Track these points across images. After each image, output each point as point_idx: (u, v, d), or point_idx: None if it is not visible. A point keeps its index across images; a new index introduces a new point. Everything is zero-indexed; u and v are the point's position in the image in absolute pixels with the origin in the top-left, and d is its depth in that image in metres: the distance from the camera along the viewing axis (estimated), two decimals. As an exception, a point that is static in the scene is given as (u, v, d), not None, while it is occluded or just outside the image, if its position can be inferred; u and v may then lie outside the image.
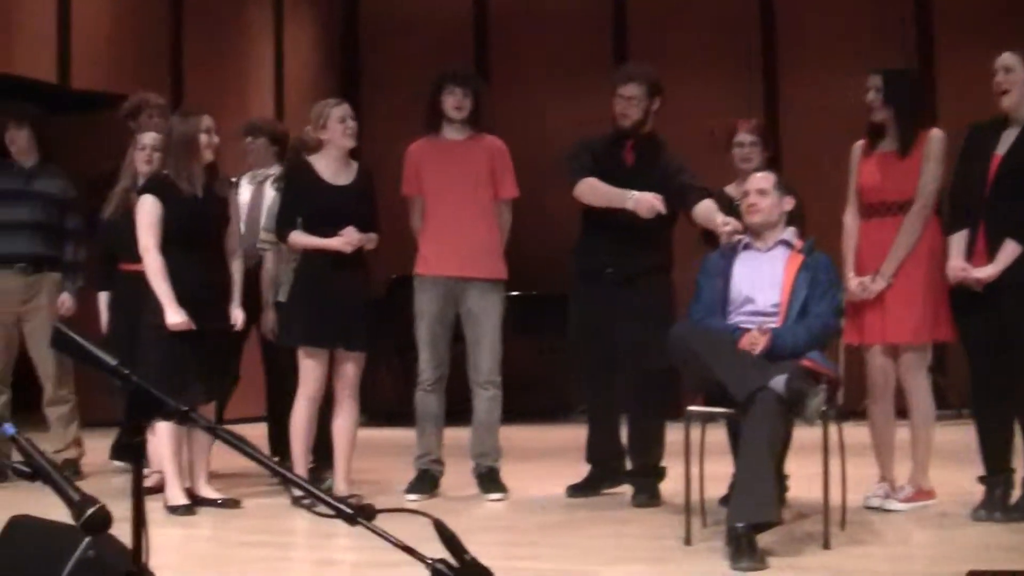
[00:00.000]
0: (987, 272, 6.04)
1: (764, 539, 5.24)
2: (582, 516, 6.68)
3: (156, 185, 6.96)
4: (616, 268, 7.01)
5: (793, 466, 6.44)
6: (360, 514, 2.59)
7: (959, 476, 6.89)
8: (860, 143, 6.72)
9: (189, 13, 13.22)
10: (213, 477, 7.35)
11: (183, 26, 13.17)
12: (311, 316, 7.04)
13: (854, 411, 7.02)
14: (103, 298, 7.95)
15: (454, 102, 7.34)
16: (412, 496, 7.23)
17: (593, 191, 7.03)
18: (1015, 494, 6.18)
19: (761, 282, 5.98)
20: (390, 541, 2.59)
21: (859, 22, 13.79)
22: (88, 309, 8.14)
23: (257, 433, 8.18)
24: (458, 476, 7.52)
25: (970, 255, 6.17)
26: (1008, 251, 6.02)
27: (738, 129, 7.13)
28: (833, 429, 5.60)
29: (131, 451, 2.87)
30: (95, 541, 3.32)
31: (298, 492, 6.96)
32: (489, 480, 7.32)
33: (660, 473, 7.05)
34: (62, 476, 2.78)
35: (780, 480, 6.13)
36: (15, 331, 8.33)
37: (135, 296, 7.18)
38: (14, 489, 7.52)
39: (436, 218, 7.35)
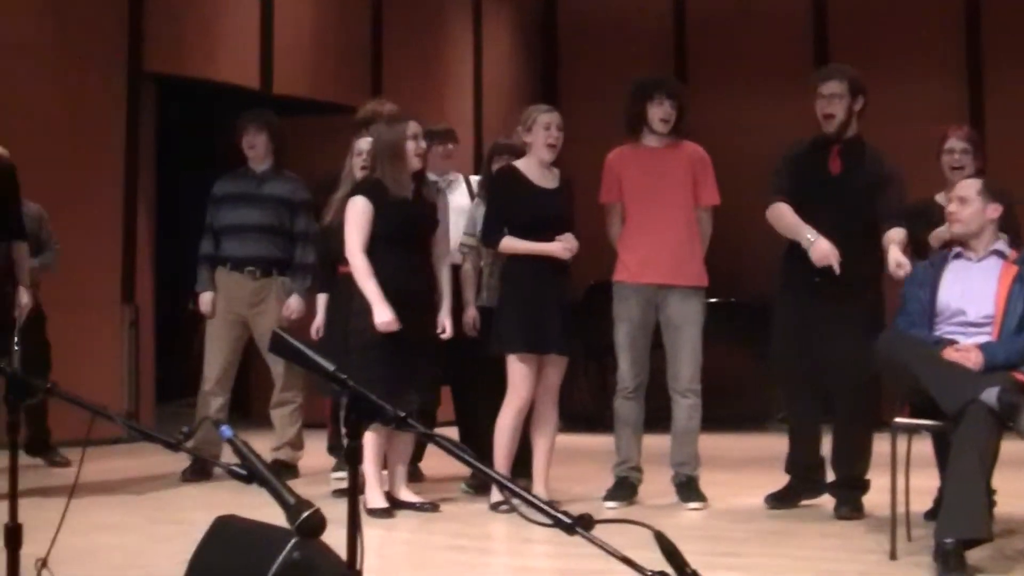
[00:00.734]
0: None
1: (973, 556, 5.16)
2: (783, 527, 6.62)
3: (367, 188, 7.07)
4: (825, 277, 6.87)
5: (999, 480, 6.30)
6: (579, 524, 2.59)
7: None
8: None
9: (389, 18, 13.40)
10: (411, 480, 7.45)
11: (383, 31, 13.36)
12: (525, 322, 7.07)
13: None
14: (321, 300, 8.03)
15: (662, 114, 7.31)
16: (610, 503, 7.24)
17: (779, 220, 6.99)
18: None
19: (973, 293, 5.82)
20: (609, 552, 2.59)
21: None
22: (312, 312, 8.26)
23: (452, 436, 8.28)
24: (656, 484, 7.51)
25: None
26: None
27: (949, 136, 7.00)
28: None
29: (348, 456, 2.91)
30: (301, 543, 3.38)
31: (497, 497, 7.02)
32: (688, 489, 7.29)
33: (864, 485, 6.93)
34: (277, 479, 2.83)
35: (988, 494, 5.99)
36: (243, 334, 8.50)
37: (346, 298, 7.34)
38: (219, 488, 7.70)
39: (637, 226, 7.35)
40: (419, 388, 7.06)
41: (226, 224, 8.44)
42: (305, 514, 2.72)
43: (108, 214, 10.84)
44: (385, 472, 7.13)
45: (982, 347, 5.58)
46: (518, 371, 7.10)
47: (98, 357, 10.52)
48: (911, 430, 5.81)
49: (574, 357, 7.50)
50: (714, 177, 7.46)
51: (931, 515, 6.24)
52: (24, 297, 7.17)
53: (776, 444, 7.39)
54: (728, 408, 12.34)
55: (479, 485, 7.65)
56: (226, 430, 2.96)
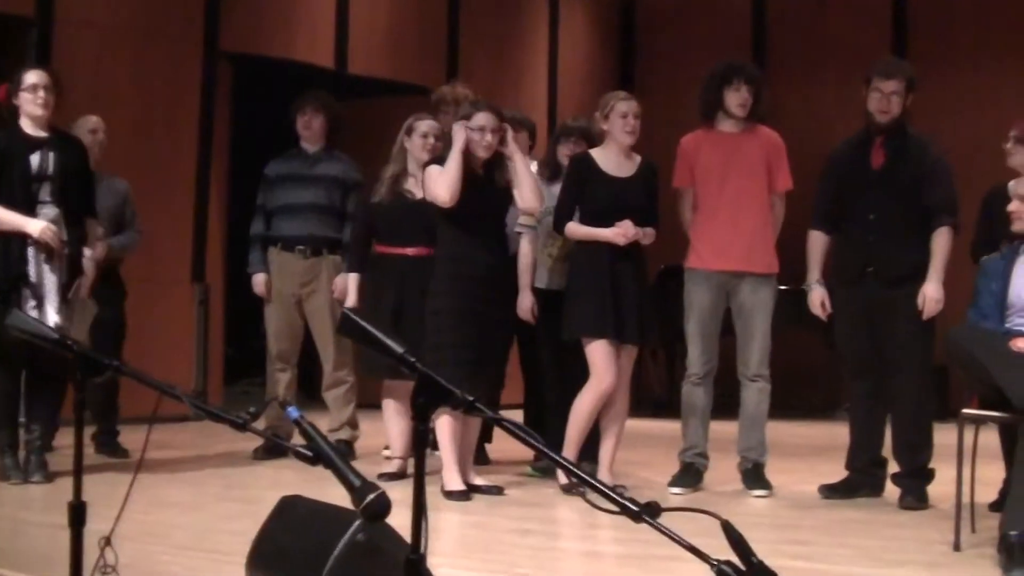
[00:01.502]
0: None
1: (1037, 548, 5.13)
2: (848, 516, 6.60)
3: (439, 161, 7.05)
4: (877, 268, 6.94)
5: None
6: (645, 511, 2.60)
7: None
8: None
9: (466, 1, 13.42)
10: (477, 463, 7.48)
11: (460, 13, 13.39)
12: (589, 308, 7.10)
13: None
14: (353, 280, 7.95)
15: (739, 99, 7.31)
16: (676, 489, 7.25)
17: (808, 250, 7.24)
18: None
19: (1040, 284, 5.81)
20: (675, 540, 2.60)
21: None
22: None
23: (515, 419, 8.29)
24: (722, 471, 7.51)
25: None
26: None
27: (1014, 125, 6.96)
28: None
29: (416, 439, 2.93)
30: (366, 525, 3.40)
31: (566, 480, 7.05)
32: (754, 476, 7.29)
33: (929, 475, 6.92)
34: (344, 461, 2.85)
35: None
36: (297, 312, 8.56)
37: (394, 278, 7.36)
38: (289, 467, 7.75)
39: (710, 211, 7.34)
40: (492, 371, 7.10)
41: (279, 204, 8.52)
42: (370, 497, 2.74)
43: (181, 193, 10.94)
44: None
45: (1052, 339, 5.56)
46: (601, 356, 7.11)
47: (168, 336, 10.62)
48: (978, 421, 5.78)
49: (654, 343, 7.51)
50: (787, 163, 7.45)
51: (996, 507, 6.21)
52: (88, 263, 7.20)
53: (844, 433, 7.34)
54: (797, 396, 12.35)
55: (546, 468, 7.67)
56: (293, 411, 2.98)
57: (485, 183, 7.04)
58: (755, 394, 7.32)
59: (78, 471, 3.43)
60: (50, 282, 6.81)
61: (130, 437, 8.28)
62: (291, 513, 3.88)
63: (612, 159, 7.25)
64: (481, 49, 13.40)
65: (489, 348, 6.97)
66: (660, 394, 12.79)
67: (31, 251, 6.79)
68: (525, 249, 7.49)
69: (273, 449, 8.09)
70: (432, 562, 2.98)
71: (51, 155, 6.93)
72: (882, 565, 5.37)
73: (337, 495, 2.99)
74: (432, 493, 6.80)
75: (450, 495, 6.83)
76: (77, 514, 3.41)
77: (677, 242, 7.55)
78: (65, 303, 6.87)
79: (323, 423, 8.33)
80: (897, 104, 7.01)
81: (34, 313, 6.57)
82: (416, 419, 2.84)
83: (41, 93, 6.94)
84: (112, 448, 8.22)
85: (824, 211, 7.26)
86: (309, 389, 10.17)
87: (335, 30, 12.12)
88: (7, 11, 9.71)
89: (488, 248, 7.03)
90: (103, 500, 3.63)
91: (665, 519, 2.68)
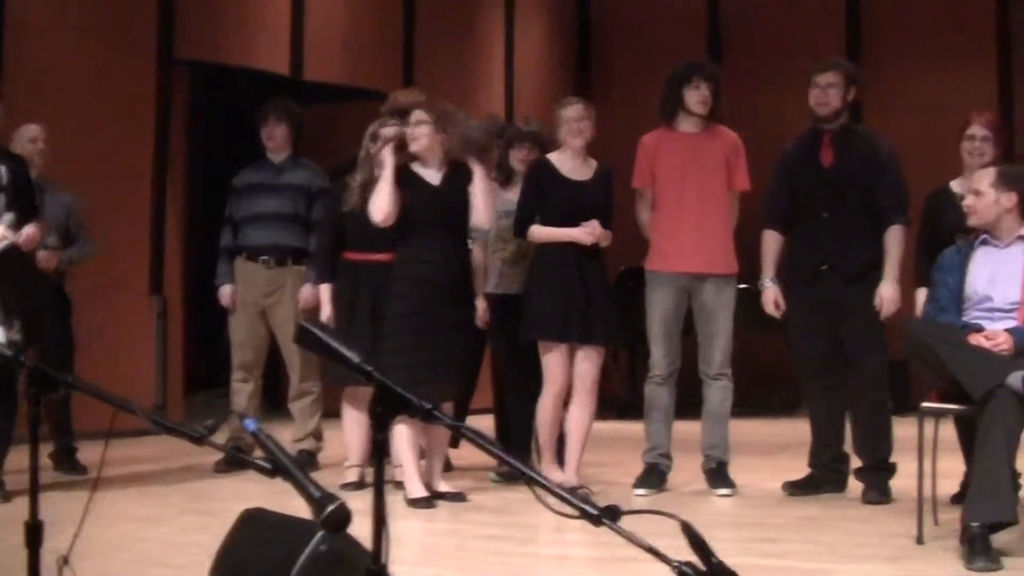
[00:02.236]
0: None
1: (999, 539, 5.18)
2: (813, 513, 6.64)
3: (403, 171, 7.09)
4: (832, 265, 6.99)
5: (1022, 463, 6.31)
6: (606, 515, 2.60)
7: None
8: None
9: (422, 5, 13.40)
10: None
11: (416, 18, 13.36)
12: (550, 310, 7.15)
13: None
14: (326, 291, 7.91)
15: (699, 97, 7.34)
16: (640, 491, 7.26)
17: (763, 247, 7.26)
18: None
19: (999, 280, 5.81)
20: (635, 542, 2.60)
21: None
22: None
23: (483, 426, 8.29)
24: (687, 471, 7.52)
25: None
26: None
27: (971, 122, 6.99)
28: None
29: (375, 448, 2.93)
30: (329, 536, 3.38)
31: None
32: (718, 475, 7.30)
33: (890, 468, 6.97)
34: (303, 472, 2.84)
35: (1014, 477, 5.99)
36: (262, 322, 8.51)
37: (369, 285, 7.35)
38: (252, 479, 7.71)
39: (672, 212, 7.36)
40: (453, 375, 7.10)
41: (244, 215, 8.48)
42: (330, 508, 2.73)
43: (138, 204, 10.83)
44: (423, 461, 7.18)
45: (1013, 331, 5.59)
46: (550, 358, 7.21)
47: (127, 348, 10.54)
48: (938, 415, 5.81)
49: (618, 345, 7.54)
50: (746, 163, 7.48)
51: (958, 499, 6.25)
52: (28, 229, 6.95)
53: (807, 430, 7.37)
54: (760, 394, 12.37)
55: (508, 474, 7.67)
56: (251, 423, 2.96)
57: (443, 188, 7.07)
58: (718, 393, 7.33)
59: (34, 490, 3.40)
60: None
61: (90, 453, 8.21)
62: (253, 526, 3.85)
63: (569, 163, 7.32)
64: (438, 55, 13.37)
65: (447, 352, 6.96)
66: (623, 396, 12.81)
67: None
68: (477, 255, 7.52)
69: (235, 461, 8.03)
70: (398, 571, 2.98)
71: (1, 167, 6.87)
72: (846, 560, 5.41)
73: (300, 507, 2.98)
74: (396, 501, 6.81)
75: (414, 503, 6.83)
76: (33, 534, 3.37)
77: (634, 245, 7.55)
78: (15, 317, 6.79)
79: (288, 434, 8.31)
80: (836, 97, 7.08)
81: None
82: (375, 428, 2.84)
83: None
84: (70, 465, 8.16)
85: (777, 210, 7.30)
86: (274, 399, 10.14)
87: (291, 36, 12.06)
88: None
89: (446, 252, 7.04)
90: (65, 518, 3.60)
91: (629, 521, 2.68)
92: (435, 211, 7.01)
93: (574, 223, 7.16)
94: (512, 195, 7.75)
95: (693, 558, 2.65)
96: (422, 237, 7.01)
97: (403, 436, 6.90)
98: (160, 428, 3.11)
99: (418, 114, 7.11)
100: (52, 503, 3.65)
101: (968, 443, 5.92)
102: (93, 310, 8.79)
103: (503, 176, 7.85)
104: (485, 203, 7.09)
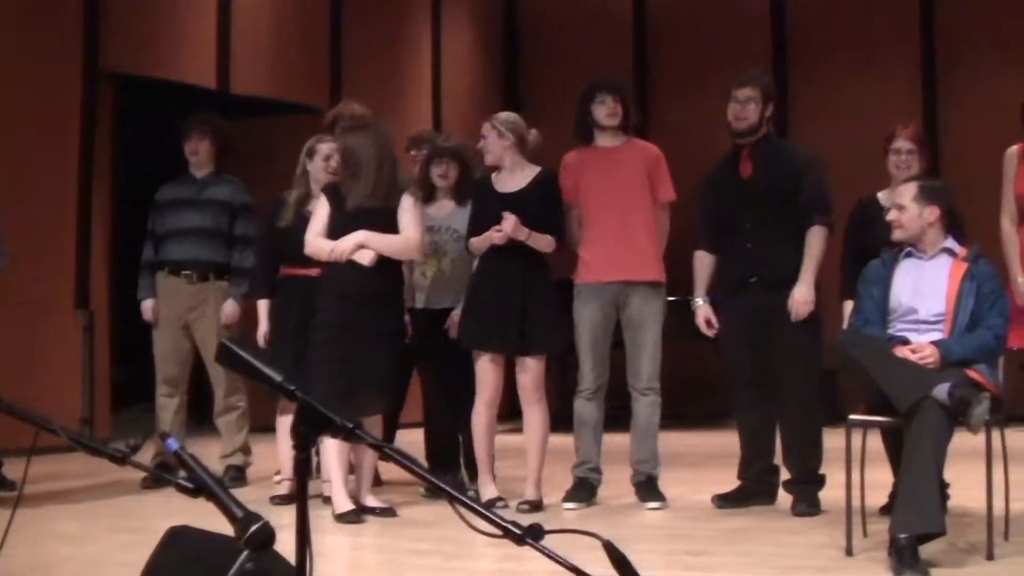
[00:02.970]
0: None
1: (927, 549, 5.21)
2: (743, 525, 6.65)
3: (330, 189, 7.15)
4: (759, 275, 7.02)
5: (952, 473, 6.34)
6: (528, 533, 2.59)
7: None
8: (1015, 148, 6.64)
9: (349, 18, 13.39)
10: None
11: (343, 31, 13.34)
12: (485, 320, 7.17)
13: (1013, 416, 6.90)
14: (263, 306, 7.98)
15: (606, 110, 7.38)
16: (570, 504, 7.26)
17: (694, 268, 7.35)
18: None
19: (924, 292, 5.87)
20: (558, 561, 2.59)
21: (1020, 16, 13.55)
22: (254, 317, 8.23)
23: (414, 439, 8.28)
24: (617, 484, 7.52)
25: None
26: None
27: (897, 135, 7.04)
28: (995, 435, 5.50)
29: (297, 468, 2.90)
30: (255, 555, 3.35)
31: (488, 496, 7.20)
32: (647, 488, 7.31)
33: (819, 480, 6.99)
34: (225, 491, 2.81)
35: (942, 488, 6.04)
36: (185, 337, 8.49)
37: (304, 301, 7.33)
38: (180, 495, 7.65)
39: (597, 225, 7.38)
40: (380, 389, 7.08)
41: (167, 229, 8.46)
42: (254, 527, 2.70)
43: (63, 218, 10.75)
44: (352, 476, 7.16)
45: (938, 344, 5.63)
46: (481, 367, 7.25)
47: (53, 363, 10.44)
48: (865, 426, 5.85)
49: (560, 352, 7.56)
50: (668, 174, 7.51)
51: (887, 510, 6.29)
52: None
53: (736, 441, 7.39)
54: (691, 405, 12.40)
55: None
56: (172, 443, 2.93)
57: (374, 207, 7.05)
58: (646, 407, 7.34)
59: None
60: None
61: (16, 469, 8.12)
62: (178, 545, 3.80)
63: (506, 177, 7.37)
64: (365, 68, 13.35)
65: (374, 365, 6.95)
66: (554, 408, 12.77)
67: None
68: (405, 268, 7.55)
69: (162, 478, 7.95)
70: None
71: None
72: (775, 572, 5.43)
73: (227, 523, 2.95)
74: (326, 516, 6.78)
75: (341, 517, 6.81)
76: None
77: (564, 257, 7.55)
78: None
79: (217, 448, 8.25)
80: (753, 112, 7.14)
81: None
82: (297, 448, 2.81)
83: None
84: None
85: (707, 231, 7.35)
86: (203, 414, 10.07)
87: (217, 49, 12.02)
88: None
89: (371, 269, 7.00)
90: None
91: (563, 536, 2.68)
92: (361, 224, 6.99)
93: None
94: (433, 211, 7.78)
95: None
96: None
97: (331, 450, 6.90)
98: (80, 448, 3.07)
99: (329, 148, 7.24)
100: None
101: (896, 454, 5.95)
102: (19, 324, 8.70)
103: (425, 192, 7.84)
104: (413, 223, 7.08)
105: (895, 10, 14.18)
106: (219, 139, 8.60)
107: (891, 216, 6.02)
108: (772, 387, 7.10)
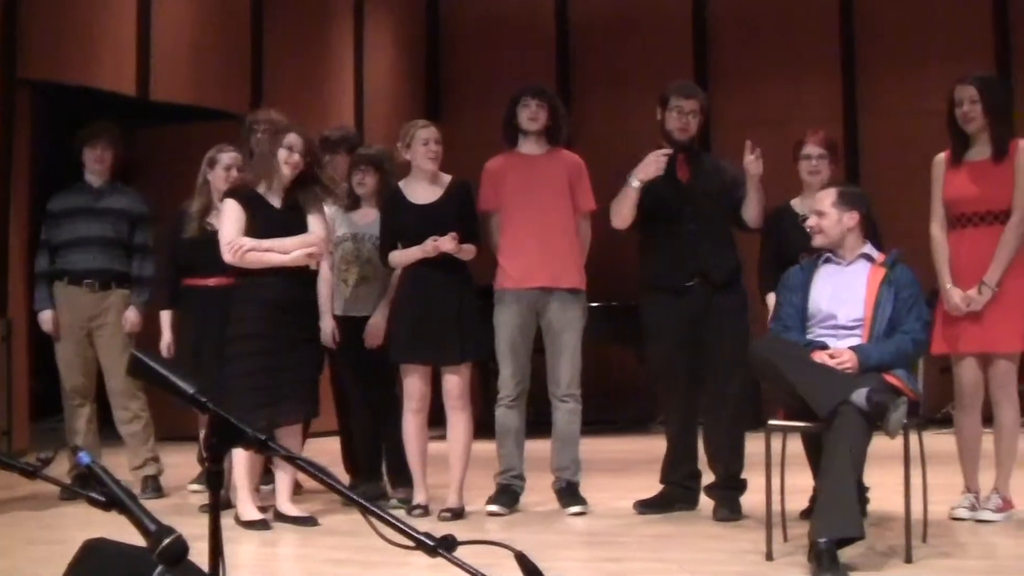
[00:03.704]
0: None
1: (846, 553, 5.25)
2: (664, 531, 6.66)
3: (238, 192, 7.08)
4: (704, 274, 7.03)
5: (873, 477, 6.39)
6: (441, 544, 2.58)
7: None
8: (943, 155, 6.69)
9: (270, 25, 13.30)
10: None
11: (264, 38, 13.25)
12: (408, 332, 7.15)
13: (932, 419, 6.98)
14: (166, 317, 7.96)
15: (528, 114, 7.41)
16: (493, 507, 7.27)
17: (614, 207, 7.17)
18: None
19: (842, 297, 5.93)
20: (469, 572, 2.59)
21: (938, 24, 13.70)
22: (156, 327, 8.21)
23: (331, 449, 8.25)
24: (540, 490, 7.52)
25: None
26: None
27: (806, 142, 7.11)
28: (913, 439, 5.55)
29: (210, 479, 2.88)
30: (169, 568, 3.32)
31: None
32: (569, 494, 7.31)
33: (741, 486, 7.02)
34: (138, 505, 2.78)
35: (861, 492, 6.10)
36: (89, 346, 8.39)
37: (208, 311, 7.26)
38: (93, 508, 7.57)
39: (517, 232, 7.39)
40: (300, 397, 7.05)
41: (65, 239, 8.37)
42: (167, 541, 2.67)
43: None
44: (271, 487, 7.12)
45: (856, 349, 5.69)
46: (407, 380, 7.23)
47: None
48: (785, 432, 5.88)
49: (484, 360, 7.55)
50: (589, 183, 7.52)
51: (807, 514, 6.31)
52: None
53: (659, 447, 7.41)
54: (613, 411, 12.42)
55: (361, 496, 7.57)
56: (84, 457, 2.90)
57: (282, 213, 7.05)
58: (566, 415, 7.35)
59: None
60: None
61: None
62: (93, 558, 3.77)
63: (417, 187, 7.33)
64: (287, 75, 13.28)
65: (294, 373, 6.94)
66: (478, 415, 12.76)
67: None
68: (325, 274, 7.58)
69: (75, 492, 7.87)
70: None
71: None
72: (695, 577, 5.44)
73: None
74: (237, 526, 6.73)
75: (248, 525, 6.78)
76: None
77: (485, 264, 7.54)
78: None
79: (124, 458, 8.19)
80: (695, 124, 7.19)
81: None
82: (209, 460, 2.79)
83: None
84: None
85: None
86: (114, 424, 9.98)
87: (137, 56, 11.91)
88: None
89: (288, 272, 6.99)
90: None
91: (479, 543, 2.67)
92: (275, 229, 6.98)
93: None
94: (357, 218, 7.76)
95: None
96: None
97: (239, 458, 6.88)
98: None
99: (291, 139, 7.06)
100: None
101: (816, 459, 5.99)
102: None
103: (348, 199, 7.82)
104: (318, 226, 7.11)
105: (815, 18, 14.30)
106: (121, 148, 8.58)
107: (811, 223, 6.07)
108: (698, 391, 7.12)
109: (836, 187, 6.16)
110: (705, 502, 7.12)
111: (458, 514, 7.09)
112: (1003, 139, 6.51)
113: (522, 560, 2.60)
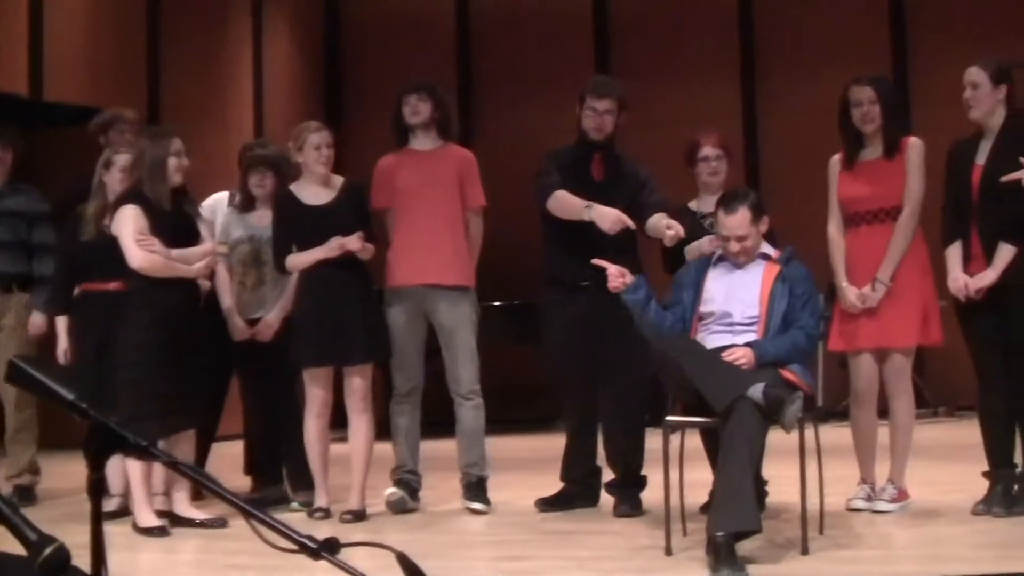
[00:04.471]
0: (987, 279, 6.26)
1: (744, 546, 5.28)
2: (564, 528, 6.69)
3: (135, 197, 6.98)
4: (592, 280, 6.92)
5: (771, 471, 6.44)
6: (324, 548, 2.58)
7: (937, 474, 6.92)
8: (838, 156, 6.76)
9: (166, 25, 13.14)
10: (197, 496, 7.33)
11: (160, 38, 13.09)
12: (308, 336, 7.10)
13: (829, 412, 7.05)
14: (62, 322, 7.80)
15: (410, 109, 7.41)
16: (391, 490, 7.30)
17: (559, 204, 7.05)
18: (1016, 489, 6.33)
19: (737, 295, 5.99)
20: (351, 574, 2.59)
21: (836, 25, 13.84)
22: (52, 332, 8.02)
23: (235, 452, 8.20)
24: (443, 490, 7.51)
25: (967, 262, 6.36)
26: (1004, 254, 6.25)
27: (702, 144, 7.15)
28: (809, 432, 5.61)
29: (90, 489, 2.85)
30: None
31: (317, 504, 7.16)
32: (476, 489, 7.30)
33: (641, 482, 7.05)
34: (19, 514, 2.74)
35: (759, 486, 6.14)
36: None
37: (110, 316, 7.18)
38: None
39: (405, 229, 7.37)
40: (202, 402, 7.02)
41: None
42: (48, 551, 2.63)
43: None
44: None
45: (752, 345, 5.75)
46: (309, 386, 7.17)
47: None
48: (683, 427, 5.91)
49: (386, 359, 7.50)
50: (479, 179, 7.52)
51: (706, 508, 6.34)
52: None
53: (561, 445, 7.41)
54: (515, 410, 12.43)
55: (262, 500, 7.52)
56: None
57: (171, 218, 6.98)
58: (469, 412, 7.35)
59: None
60: None
61: None
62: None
63: (310, 189, 7.27)
64: (184, 74, 13.14)
65: (195, 379, 6.88)
66: (380, 416, 12.71)
67: None
68: (223, 276, 7.56)
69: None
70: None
71: None
72: (594, 573, 5.46)
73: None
74: (131, 533, 6.66)
75: (148, 532, 6.68)
76: None
77: (381, 264, 7.51)
78: None
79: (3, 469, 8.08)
80: (610, 123, 7.19)
81: None
82: (89, 467, 2.76)
83: None
84: None
85: (555, 181, 7.14)
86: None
87: (29, 56, 11.74)
88: None
89: (177, 282, 6.93)
90: None
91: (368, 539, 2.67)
92: (167, 233, 6.91)
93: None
94: (254, 220, 7.71)
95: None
96: None
97: (133, 465, 6.76)
98: None
99: (177, 144, 7.01)
100: None
101: (715, 454, 6.03)
102: None
103: (243, 201, 7.77)
104: (208, 234, 7.13)
105: (714, 18, 14.41)
106: (19, 150, 8.43)
107: (734, 248, 6.05)
108: (595, 391, 7.14)
109: (748, 202, 6.10)
110: (606, 499, 7.14)
111: (359, 516, 7.06)
112: (895, 137, 6.60)
113: (403, 561, 2.61)
